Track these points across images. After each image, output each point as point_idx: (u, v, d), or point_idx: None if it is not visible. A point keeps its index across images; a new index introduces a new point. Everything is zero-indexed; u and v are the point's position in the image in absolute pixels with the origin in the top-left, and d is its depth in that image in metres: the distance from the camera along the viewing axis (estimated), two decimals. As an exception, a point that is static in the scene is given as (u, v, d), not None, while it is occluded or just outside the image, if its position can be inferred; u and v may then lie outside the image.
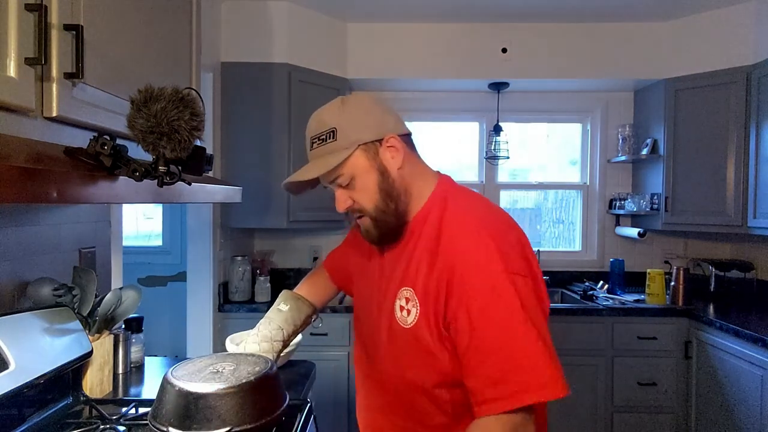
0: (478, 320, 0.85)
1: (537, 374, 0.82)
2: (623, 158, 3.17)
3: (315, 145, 0.98)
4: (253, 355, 1.17)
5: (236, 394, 0.98)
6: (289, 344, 1.30)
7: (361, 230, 1.03)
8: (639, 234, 2.97)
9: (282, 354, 1.58)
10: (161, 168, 0.86)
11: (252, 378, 1.02)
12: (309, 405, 1.32)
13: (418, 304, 0.94)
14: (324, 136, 0.96)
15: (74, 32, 0.83)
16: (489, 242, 0.89)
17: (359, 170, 0.96)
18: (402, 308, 0.97)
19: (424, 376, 0.95)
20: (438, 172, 1.06)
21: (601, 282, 3.01)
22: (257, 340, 1.25)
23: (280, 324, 1.26)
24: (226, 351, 1.61)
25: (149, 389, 1.48)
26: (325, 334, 2.65)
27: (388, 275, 1.03)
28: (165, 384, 1.02)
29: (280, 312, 1.28)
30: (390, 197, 0.97)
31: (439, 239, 0.94)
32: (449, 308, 0.89)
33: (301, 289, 1.36)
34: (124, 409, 1.24)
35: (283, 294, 1.32)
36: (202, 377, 1.02)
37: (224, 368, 1.07)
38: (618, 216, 3.31)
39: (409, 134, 1.02)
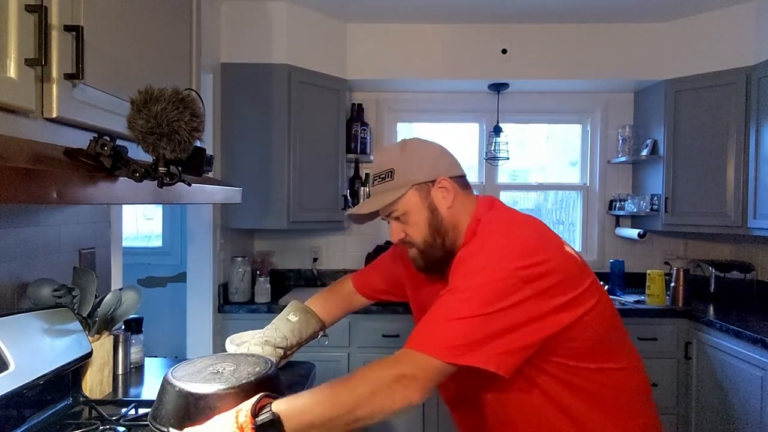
0: (450, 289, 0.95)
1: (440, 336, 0.91)
2: (623, 159, 3.17)
3: (376, 182, 1.11)
4: (253, 355, 1.18)
5: (237, 395, 0.98)
6: (289, 356, 1.32)
7: (409, 256, 1.13)
8: (639, 235, 2.97)
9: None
10: (161, 169, 0.86)
11: (252, 378, 1.02)
12: (309, 406, 1.31)
13: None
14: (383, 175, 1.09)
15: (74, 33, 0.83)
16: (493, 244, 0.97)
17: (412, 207, 1.07)
18: None
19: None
20: (477, 197, 1.14)
21: (601, 283, 3.01)
22: (260, 342, 1.26)
23: (285, 333, 1.30)
24: (227, 352, 1.61)
25: (149, 390, 1.48)
26: (325, 335, 2.65)
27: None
28: (165, 384, 1.02)
29: (288, 322, 1.32)
30: (438, 233, 1.07)
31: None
32: None
33: (314, 302, 1.40)
34: (123, 410, 1.23)
35: (294, 304, 1.35)
36: (203, 378, 1.02)
37: (224, 369, 1.07)
38: (618, 217, 3.31)
39: (462, 176, 1.12)
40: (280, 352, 1.28)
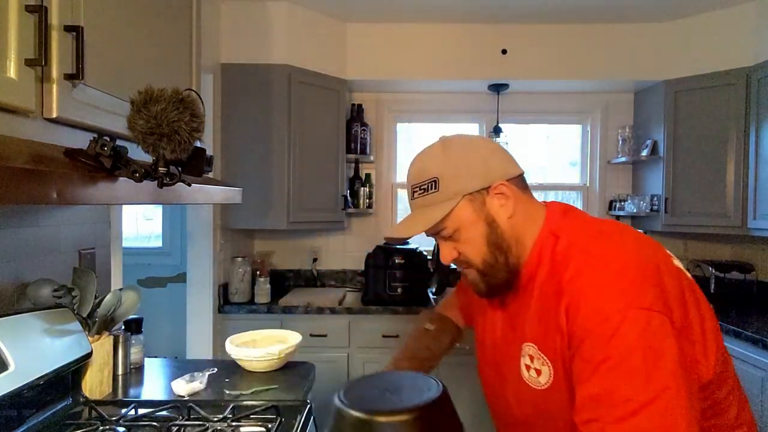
0: (598, 376, 0.72)
1: None
2: (623, 159, 3.17)
3: (416, 195, 0.91)
4: (407, 372, 1.01)
5: (423, 419, 0.80)
6: (433, 368, 1.16)
7: (468, 279, 0.95)
8: (639, 235, 2.97)
9: (282, 355, 1.58)
10: (161, 169, 0.86)
11: (430, 399, 0.83)
12: (309, 406, 1.32)
13: (548, 362, 0.83)
14: (426, 186, 0.89)
15: (74, 33, 0.83)
16: (609, 273, 0.76)
17: (465, 222, 0.88)
18: (528, 367, 0.86)
19: None
20: (545, 203, 0.95)
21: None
22: (406, 356, 1.13)
23: (428, 344, 1.16)
24: (227, 352, 1.62)
25: (149, 390, 1.48)
26: (325, 336, 2.66)
27: (508, 332, 0.93)
28: (340, 414, 0.88)
29: (427, 332, 1.17)
30: (499, 250, 0.88)
31: (556, 280, 0.82)
32: (574, 361, 0.77)
33: (445, 308, 1.25)
34: (123, 410, 1.23)
35: (426, 313, 1.22)
36: (378, 402, 0.86)
37: (395, 390, 0.89)
38: (618, 217, 3.31)
39: (520, 174, 0.92)
40: (427, 365, 1.15)
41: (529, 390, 0.86)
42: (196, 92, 0.92)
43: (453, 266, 2.95)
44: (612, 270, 0.76)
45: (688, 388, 0.70)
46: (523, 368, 0.87)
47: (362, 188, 3.14)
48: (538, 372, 0.84)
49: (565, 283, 0.79)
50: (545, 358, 0.83)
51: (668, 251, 0.86)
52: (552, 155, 3.47)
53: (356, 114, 3.14)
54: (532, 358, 0.85)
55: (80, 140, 0.89)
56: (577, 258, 0.80)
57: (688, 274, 0.85)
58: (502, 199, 0.88)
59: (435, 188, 0.88)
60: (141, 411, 1.23)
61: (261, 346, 1.65)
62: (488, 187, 0.87)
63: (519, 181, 0.91)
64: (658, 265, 0.78)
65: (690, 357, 0.74)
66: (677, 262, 0.85)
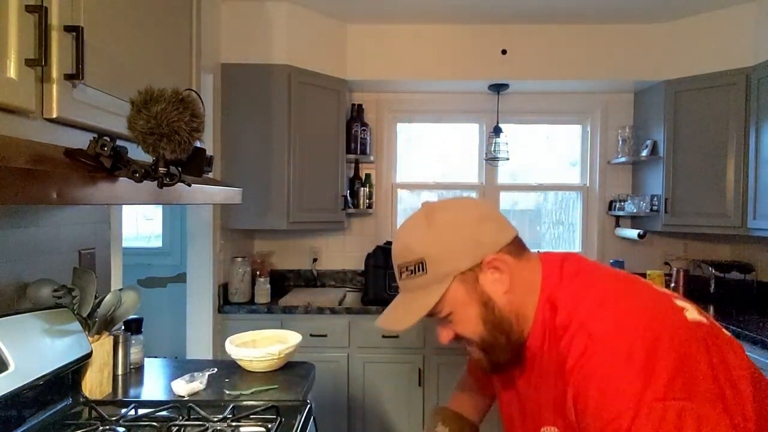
0: None
1: None
2: (623, 159, 3.17)
3: (404, 275, 0.84)
4: None
5: None
6: None
7: (474, 357, 0.89)
8: (639, 235, 2.97)
9: (282, 355, 1.58)
10: (161, 169, 0.86)
11: None
12: (309, 406, 1.32)
13: None
14: (413, 267, 0.82)
15: (74, 33, 0.83)
16: (615, 361, 0.68)
17: (458, 304, 0.81)
18: None
19: None
20: (540, 258, 0.87)
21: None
22: None
23: None
24: (227, 352, 1.62)
25: (149, 390, 1.48)
26: (325, 336, 2.66)
27: (524, 406, 0.88)
28: None
29: None
30: (498, 329, 0.82)
31: (560, 364, 0.76)
32: None
33: (455, 402, 1.15)
34: (123, 410, 1.23)
35: (439, 411, 1.11)
36: None
37: None
38: (618, 217, 3.31)
39: (514, 238, 0.85)
40: None
41: None
42: (196, 92, 0.92)
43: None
44: (618, 356, 0.68)
45: None
46: None
47: (362, 188, 3.14)
48: None
49: (568, 372, 0.73)
50: None
51: (679, 302, 0.76)
52: (552, 155, 3.47)
53: (356, 114, 3.15)
54: None
55: (80, 140, 0.89)
56: (578, 340, 0.72)
57: (706, 320, 0.75)
58: (496, 273, 0.81)
59: (423, 270, 0.81)
60: (141, 411, 1.23)
61: (261, 346, 1.65)
62: (480, 263, 0.81)
63: (513, 245, 0.84)
64: (672, 335, 0.68)
65: (725, 426, 0.65)
66: (692, 313, 0.74)
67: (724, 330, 0.76)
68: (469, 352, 0.88)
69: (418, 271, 0.81)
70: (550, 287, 0.81)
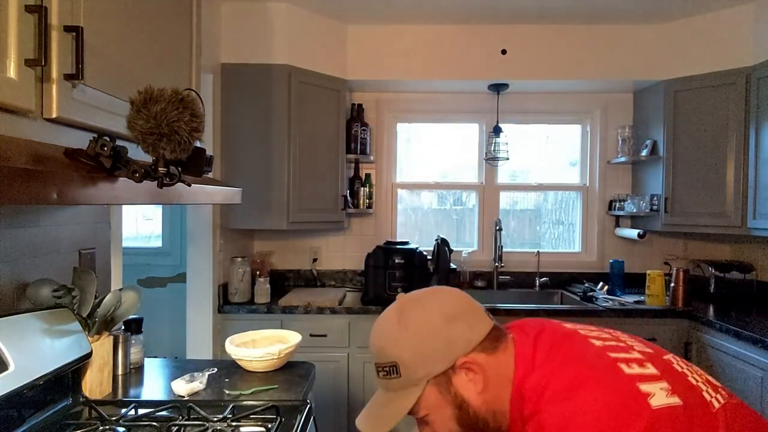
0: None
1: None
2: (623, 159, 3.17)
3: (380, 374, 0.85)
4: None
5: None
6: None
7: None
8: (639, 235, 2.97)
9: (282, 355, 1.58)
10: (161, 169, 0.86)
11: None
12: (308, 406, 1.32)
13: None
14: (387, 369, 0.83)
15: (74, 34, 0.83)
16: None
17: (431, 407, 0.82)
18: None
19: None
20: (513, 340, 0.85)
21: (601, 283, 3.01)
22: None
23: None
24: (227, 352, 1.62)
25: (149, 390, 1.48)
26: (325, 336, 2.65)
27: None
28: None
29: None
30: (474, 428, 0.82)
31: None
32: None
33: None
34: (123, 410, 1.24)
35: None
36: None
37: None
38: (618, 217, 3.31)
39: (489, 331, 0.83)
40: None
41: None
42: (195, 92, 0.92)
43: (453, 266, 2.97)
44: None
45: None
46: None
47: (362, 188, 3.14)
48: None
49: None
50: None
51: (647, 386, 0.73)
52: (552, 155, 3.47)
53: (356, 114, 3.15)
54: None
55: (80, 140, 0.89)
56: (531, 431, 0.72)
57: (680, 400, 0.71)
58: (470, 374, 0.80)
59: (396, 373, 0.82)
60: (141, 411, 1.23)
61: (261, 346, 1.65)
62: (452, 365, 0.80)
63: (487, 341, 0.82)
64: None
65: None
66: (659, 399, 0.70)
67: (714, 400, 0.73)
68: None
69: (392, 373, 0.82)
70: (520, 377, 0.79)
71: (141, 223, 3.93)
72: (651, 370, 0.75)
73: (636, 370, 0.75)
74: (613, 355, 0.78)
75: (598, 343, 0.82)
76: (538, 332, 0.84)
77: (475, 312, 0.85)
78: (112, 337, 1.46)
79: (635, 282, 3.09)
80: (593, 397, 0.71)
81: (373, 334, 0.87)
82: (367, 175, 3.25)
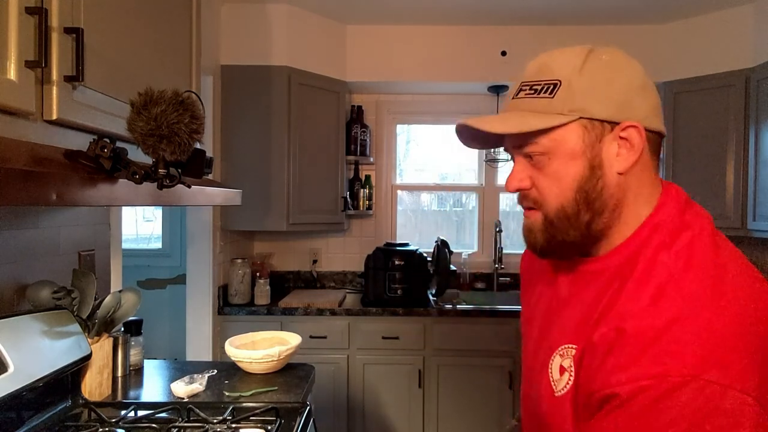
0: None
1: None
2: (623, 161, 3.17)
3: (522, 93, 0.70)
4: None
5: None
6: None
7: (524, 224, 0.74)
8: (639, 237, 2.97)
9: (282, 357, 1.58)
10: (161, 170, 0.86)
11: None
12: (308, 408, 1.32)
13: (573, 368, 0.67)
14: (540, 87, 0.68)
15: (74, 35, 0.83)
16: (704, 320, 0.56)
17: (563, 150, 0.66)
18: (563, 369, 0.68)
19: None
20: (663, 183, 0.72)
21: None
22: None
23: None
24: (226, 354, 1.62)
25: (148, 392, 1.48)
26: (325, 337, 2.65)
27: (556, 316, 0.75)
28: None
29: None
30: (588, 204, 0.67)
31: (636, 289, 0.63)
32: (593, 388, 0.61)
33: None
34: (123, 412, 1.23)
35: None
36: None
37: None
38: (617, 219, 3.31)
39: (662, 136, 0.70)
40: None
41: (549, 393, 0.70)
42: (196, 94, 0.92)
43: (453, 268, 2.97)
44: (697, 320, 0.56)
45: None
46: (555, 368, 0.70)
47: (362, 190, 3.14)
48: (561, 373, 0.68)
49: (629, 310, 0.61)
50: (572, 361, 0.67)
51: None
52: (552, 157, 3.47)
53: (356, 115, 3.15)
54: (563, 356, 0.69)
55: (80, 142, 0.89)
56: (667, 292, 0.60)
57: None
58: (624, 148, 0.66)
59: (550, 93, 0.66)
60: (140, 413, 1.23)
61: (261, 348, 1.65)
62: (616, 123, 0.66)
63: (655, 142, 0.69)
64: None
65: None
66: None
67: None
68: (524, 218, 0.73)
69: (544, 92, 0.67)
70: (668, 211, 0.67)
71: (141, 225, 3.93)
72: None
73: None
74: None
75: None
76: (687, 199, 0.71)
77: (661, 110, 0.71)
78: (111, 339, 1.46)
79: (635, 283, 3.08)
80: (756, 293, 0.60)
81: (543, 55, 0.73)
82: (367, 177, 3.25)
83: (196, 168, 0.94)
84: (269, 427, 1.17)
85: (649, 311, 0.59)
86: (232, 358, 1.60)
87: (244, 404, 1.31)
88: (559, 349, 0.70)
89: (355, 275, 3.28)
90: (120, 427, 1.15)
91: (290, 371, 1.63)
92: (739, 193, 2.64)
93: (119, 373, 1.56)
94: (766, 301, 0.60)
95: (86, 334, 1.33)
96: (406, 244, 2.95)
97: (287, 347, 1.60)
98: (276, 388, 1.48)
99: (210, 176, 2.13)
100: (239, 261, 2.75)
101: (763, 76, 2.51)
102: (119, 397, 1.42)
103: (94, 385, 1.36)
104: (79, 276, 1.39)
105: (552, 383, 0.69)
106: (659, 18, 2.85)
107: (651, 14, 2.80)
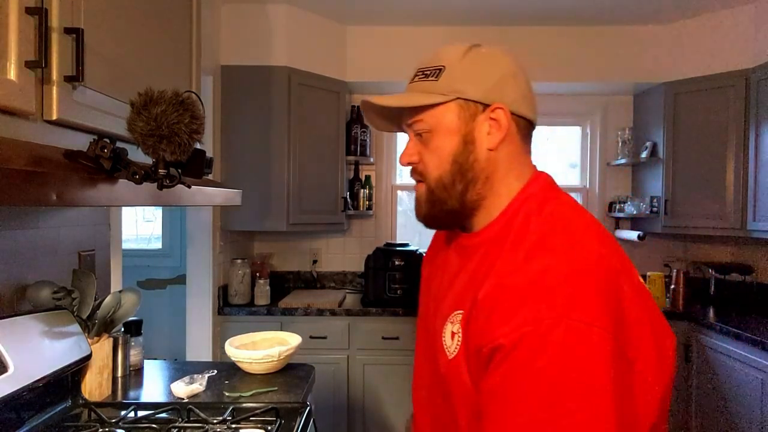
0: (506, 381, 0.63)
1: None
2: (623, 161, 3.17)
3: (417, 78, 0.83)
4: None
5: None
6: None
7: (416, 197, 0.85)
8: (639, 237, 2.97)
9: (282, 357, 1.58)
10: (161, 171, 0.86)
11: None
12: (308, 408, 1.32)
13: (461, 331, 0.74)
14: (429, 72, 0.81)
15: (74, 35, 0.83)
16: (566, 267, 0.66)
17: (442, 127, 0.78)
18: (453, 335, 0.75)
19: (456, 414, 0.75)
20: (535, 168, 0.84)
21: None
22: None
23: None
24: (226, 354, 1.62)
25: (148, 392, 1.48)
26: (325, 337, 2.65)
27: (446, 291, 0.83)
28: None
29: None
30: (461, 175, 0.78)
31: (512, 251, 0.71)
32: (481, 342, 0.68)
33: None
34: (123, 413, 1.23)
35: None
36: None
37: None
38: (618, 219, 3.31)
39: (530, 122, 0.81)
40: None
41: (444, 359, 0.76)
42: (196, 94, 0.92)
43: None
44: (564, 269, 0.66)
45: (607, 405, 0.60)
46: (448, 334, 0.77)
47: (362, 190, 3.14)
48: (452, 338, 0.75)
49: (507, 268, 0.69)
50: (460, 325, 0.74)
51: (633, 266, 0.78)
52: (552, 157, 3.47)
53: (356, 116, 3.15)
54: (453, 323, 0.76)
55: (80, 142, 0.89)
56: (537, 249, 0.69)
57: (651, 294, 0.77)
58: (494, 126, 0.77)
59: (436, 77, 0.79)
60: (140, 413, 1.23)
61: (261, 348, 1.65)
62: (487, 105, 0.77)
63: (525, 127, 0.80)
64: (621, 283, 0.69)
65: (630, 391, 0.64)
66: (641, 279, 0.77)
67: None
68: (415, 191, 0.85)
69: (432, 76, 0.80)
70: (533, 188, 0.79)
71: (141, 225, 3.93)
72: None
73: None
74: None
75: None
76: (551, 181, 0.84)
77: (534, 101, 0.82)
78: (111, 339, 1.46)
79: (635, 284, 3.08)
80: (603, 242, 0.73)
81: (438, 49, 0.85)
82: (367, 177, 3.25)
83: (196, 168, 0.94)
84: (269, 428, 1.17)
85: (523, 267, 0.67)
86: (232, 359, 1.60)
87: (244, 404, 1.31)
88: (450, 317, 0.77)
89: (355, 275, 3.28)
90: (120, 428, 1.15)
91: (290, 371, 1.63)
92: (739, 193, 2.64)
93: (119, 374, 1.56)
94: (609, 241, 0.74)
95: (86, 334, 1.33)
96: (406, 244, 2.95)
97: (287, 347, 1.60)
98: (276, 388, 1.48)
99: (210, 176, 2.13)
100: (239, 261, 2.75)
101: (763, 76, 2.51)
102: (119, 398, 1.42)
103: (94, 386, 1.36)
104: (79, 276, 1.39)
105: (445, 350, 0.76)
106: (659, 18, 2.85)
107: (651, 15, 2.80)
